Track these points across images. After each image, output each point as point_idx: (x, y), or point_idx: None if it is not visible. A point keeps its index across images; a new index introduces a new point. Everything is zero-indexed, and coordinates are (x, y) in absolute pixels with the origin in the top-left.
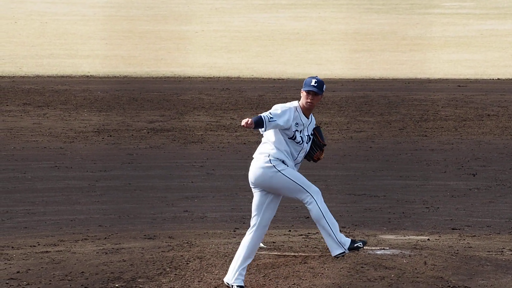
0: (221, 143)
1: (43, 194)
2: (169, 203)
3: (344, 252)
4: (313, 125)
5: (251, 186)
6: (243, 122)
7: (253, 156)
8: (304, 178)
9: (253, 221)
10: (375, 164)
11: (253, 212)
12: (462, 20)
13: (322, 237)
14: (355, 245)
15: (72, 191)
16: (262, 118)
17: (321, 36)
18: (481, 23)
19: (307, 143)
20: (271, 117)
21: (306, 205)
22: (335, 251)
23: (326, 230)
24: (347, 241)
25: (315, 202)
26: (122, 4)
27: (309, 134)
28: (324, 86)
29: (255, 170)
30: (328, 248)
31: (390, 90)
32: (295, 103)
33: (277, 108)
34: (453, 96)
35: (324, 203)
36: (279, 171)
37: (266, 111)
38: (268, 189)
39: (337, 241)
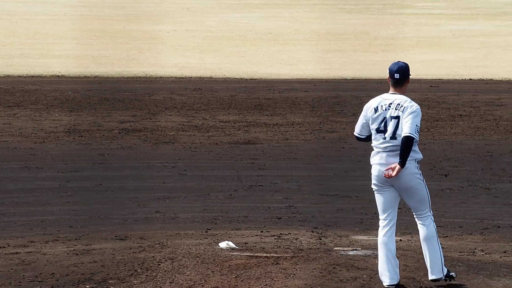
0: (193, 143)
1: (13, 195)
2: (140, 203)
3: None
4: None
5: (382, 185)
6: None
7: (389, 156)
8: None
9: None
10: (347, 165)
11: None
12: (434, 21)
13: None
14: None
15: (43, 192)
16: (412, 140)
17: (294, 36)
18: (453, 24)
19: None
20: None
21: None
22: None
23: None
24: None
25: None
26: (93, 4)
27: None
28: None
29: (407, 175)
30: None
31: (362, 91)
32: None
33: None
34: (425, 96)
35: None
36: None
37: (237, 111)
38: (403, 191)
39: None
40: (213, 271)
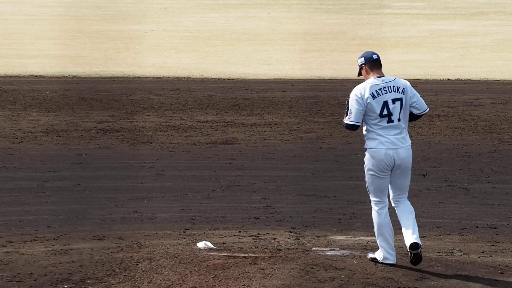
0: (171, 143)
1: None
2: (118, 203)
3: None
4: None
5: (387, 170)
6: None
7: (397, 139)
8: None
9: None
10: (325, 165)
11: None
12: (412, 21)
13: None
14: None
15: (21, 192)
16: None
17: (271, 36)
18: (431, 24)
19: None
20: None
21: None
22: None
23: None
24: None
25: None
26: (71, 4)
27: None
28: (359, 59)
29: (409, 156)
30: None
31: (340, 91)
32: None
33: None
34: None
35: None
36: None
37: (215, 111)
38: (403, 172)
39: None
40: (191, 271)
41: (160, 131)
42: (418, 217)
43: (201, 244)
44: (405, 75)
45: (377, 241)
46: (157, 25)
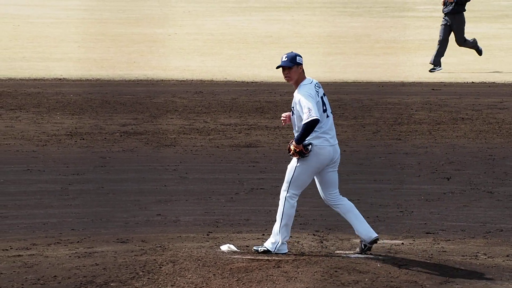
0: (194, 146)
1: (15, 198)
2: (142, 206)
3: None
4: (296, 96)
5: (324, 167)
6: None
7: (334, 135)
8: None
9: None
10: (349, 168)
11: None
12: (436, 24)
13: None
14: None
15: (45, 195)
16: None
17: (295, 39)
18: None
19: (292, 115)
20: None
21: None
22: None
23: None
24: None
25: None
26: (95, 7)
27: (293, 106)
28: (298, 57)
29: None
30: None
31: (363, 94)
32: None
33: None
34: (427, 99)
35: None
36: None
37: (239, 114)
38: (332, 167)
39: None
40: (214, 274)
41: (184, 134)
42: (442, 220)
43: (224, 247)
44: (429, 78)
45: (280, 231)
46: (180, 28)
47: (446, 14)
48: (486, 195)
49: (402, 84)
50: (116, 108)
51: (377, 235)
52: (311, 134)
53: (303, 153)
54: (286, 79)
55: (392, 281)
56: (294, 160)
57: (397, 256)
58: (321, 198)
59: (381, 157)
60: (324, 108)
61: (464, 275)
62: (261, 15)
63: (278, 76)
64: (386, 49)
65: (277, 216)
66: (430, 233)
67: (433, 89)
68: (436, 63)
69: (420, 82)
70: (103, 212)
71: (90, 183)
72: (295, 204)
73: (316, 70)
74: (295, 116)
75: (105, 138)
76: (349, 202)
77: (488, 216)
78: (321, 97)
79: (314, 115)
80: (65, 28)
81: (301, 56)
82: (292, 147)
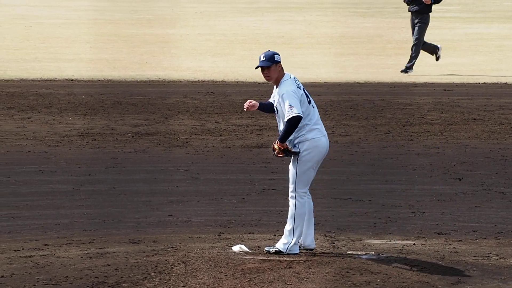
0: (206, 147)
1: (27, 198)
2: (153, 207)
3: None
4: (278, 94)
5: (322, 159)
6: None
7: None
8: None
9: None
10: (360, 169)
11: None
12: (448, 24)
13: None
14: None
15: (57, 195)
16: None
17: (307, 39)
18: (467, 27)
19: (276, 113)
20: None
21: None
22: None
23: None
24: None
25: None
26: (106, 8)
27: (276, 104)
28: (276, 56)
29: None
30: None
31: (375, 94)
32: None
33: None
34: (439, 100)
35: None
36: None
37: (250, 115)
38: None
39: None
40: (226, 275)
41: (195, 134)
42: (454, 221)
43: (236, 248)
44: (441, 79)
45: (294, 232)
46: (192, 29)
47: (412, 13)
48: (498, 195)
49: (414, 85)
50: (128, 108)
51: (314, 246)
52: (303, 129)
53: (288, 151)
54: (266, 79)
55: (404, 282)
56: (294, 159)
57: (408, 256)
58: (333, 198)
59: (393, 158)
60: (309, 99)
61: (476, 276)
62: (273, 16)
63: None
64: (398, 50)
65: (288, 218)
66: (442, 234)
67: (445, 90)
68: (409, 67)
69: (432, 83)
70: (114, 213)
71: (102, 183)
72: (306, 202)
73: (328, 70)
74: (279, 115)
75: (116, 138)
76: (311, 203)
77: (500, 217)
78: (303, 89)
79: (296, 112)
80: (77, 28)
81: (278, 54)
82: (276, 146)
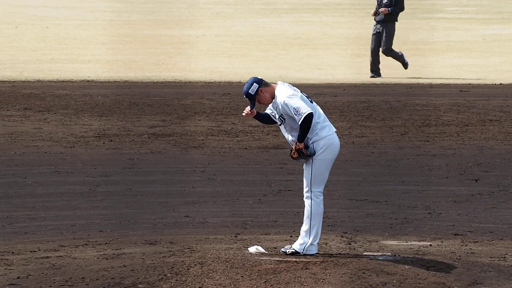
0: (222, 148)
1: (43, 199)
2: (170, 208)
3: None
4: (279, 104)
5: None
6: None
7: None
8: None
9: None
10: (376, 169)
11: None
12: (465, 25)
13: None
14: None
15: (73, 196)
16: None
17: (323, 40)
18: (484, 28)
19: (281, 124)
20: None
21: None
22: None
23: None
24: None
25: None
26: (123, 9)
27: (280, 115)
28: (250, 89)
29: None
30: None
31: (391, 95)
32: None
33: None
34: (455, 101)
35: None
36: None
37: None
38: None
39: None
40: (242, 276)
41: (212, 135)
42: (470, 222)
43: (252, 249)
44: (457, 80)
45: (311, 232)
46: (208, 30)
47: (378, 22)
48: None
49: (431, 86)
50: (144, 109)
51: (316, 251)
52: (315, 127)
53: (303, 153)
54: (263, 104)
55: (420, 283)
56: (308, 160)
57: (425, 257)
58: (349, 199)
59: (409, 159)
60: (310, 99)
61: (492, 277)
62: (290, 17)
63: (307, 77)
64: (415, 51)
65: (304, 218)
66: (458, 235)
67: (461, 91)
68: (375, 72)
69: (448, 84)
70: (131, 214)
71: (118, 184)
72: (321, 201)
73: (344, 71)
74: (286, 123)
75: (133, 139)
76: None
77: None
78: (301, 92)
79: (305, 111)
80: (93, 30)
81: (257, 78)
82: (293, 147)
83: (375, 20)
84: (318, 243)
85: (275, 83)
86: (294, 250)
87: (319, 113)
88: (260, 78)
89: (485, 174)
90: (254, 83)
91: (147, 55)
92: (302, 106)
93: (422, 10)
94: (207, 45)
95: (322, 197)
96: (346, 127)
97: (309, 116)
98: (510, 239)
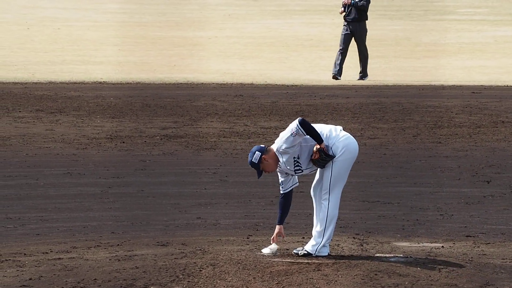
0: (234, 149)
1: (55, 201)
2: (182, 210)
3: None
4: (288, 159)
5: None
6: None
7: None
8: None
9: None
10: (389, 171)
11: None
12: (477, 27)
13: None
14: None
15: (85, 198)
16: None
17: (335, 42)
18: (496, 30)
19: (300, 173)
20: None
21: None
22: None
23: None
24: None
25: None
26: (134, 10)
27: (294, 165)
28: (257, 153)
29: None
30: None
31: (404, 97)
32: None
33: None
34: (467, 102)
35: None
36: None
37: (279, 117)
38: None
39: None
40: (254, 277)
41: (224, 137)
42: (482, 223)
43: (266, 250)
44: (469, 81)
45: (324, 233)
46: (221, 32)
47: (348, 22)
48: None
49: (442, 87)
50: (156, 111)
51: (327, 254)
52: (334, 138)
53: (325, 153)
54: (268, 173)
55: (432, 284)
56: (328, 163)
57: (437, 259)
58: (361, 201)
59: (421, 160)
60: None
61: (504, 278)
62: (302, 18)
63: (319, 79)
64: (427, 52)
65: (320, 219)
66: (470, 236)
67: (473, 93)
68: (339, 73)
69: (461, 86)
70: (143, 215)
71: (130, 186)
72: (339, 204)
73: (355, 73)
74: (302, 159)
75: (145, 141)
76: None
77: None
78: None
79: (294, 122)
80: (105, 31)
81: (260, 147)
82: (315, 148)
83: (345, 19)
84: (330, 245)
85: (270, 147)
86: (306, 252)
87: (338, 128)
88: (263, 146)
89: (497, 175)
90: (257, 152)
91: (159, 57)
92: (290, 128)
93: (434, 12)
94: (219, 46)
95: (339, 200)
96: (358, 129)
97: (301, 119)
98: None
